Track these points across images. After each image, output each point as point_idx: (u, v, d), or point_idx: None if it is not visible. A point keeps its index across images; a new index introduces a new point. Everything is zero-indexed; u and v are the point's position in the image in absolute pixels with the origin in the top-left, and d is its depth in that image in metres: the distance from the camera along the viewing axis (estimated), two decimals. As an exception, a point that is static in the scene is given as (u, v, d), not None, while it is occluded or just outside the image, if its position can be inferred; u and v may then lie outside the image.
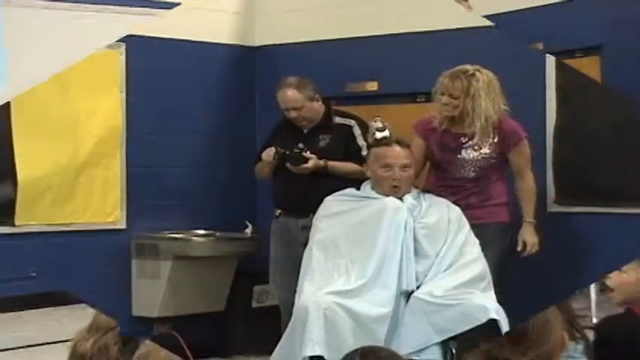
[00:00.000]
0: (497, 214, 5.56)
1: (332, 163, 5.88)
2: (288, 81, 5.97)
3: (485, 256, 5.26)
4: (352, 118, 6.02)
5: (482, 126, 5.42)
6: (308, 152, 5.88)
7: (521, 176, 5.61)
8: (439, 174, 5.63)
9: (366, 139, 5.73)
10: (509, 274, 5.48)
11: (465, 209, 5.41)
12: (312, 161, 5.86)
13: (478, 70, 5.45)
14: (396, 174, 5.36)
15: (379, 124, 5.45)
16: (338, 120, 6.03)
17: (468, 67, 5.47)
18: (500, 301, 5.06)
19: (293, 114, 5.95)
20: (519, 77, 5.67)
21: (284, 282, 5.86)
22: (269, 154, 6.00)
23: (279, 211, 6.10)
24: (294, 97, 5.93)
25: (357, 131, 5.95)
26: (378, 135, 5.42)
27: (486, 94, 5.40)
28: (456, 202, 5.43)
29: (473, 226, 5.34)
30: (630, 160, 5.87)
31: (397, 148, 5.41)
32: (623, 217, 5.86)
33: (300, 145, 5.93)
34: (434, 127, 5.59)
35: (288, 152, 5.89)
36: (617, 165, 5.91)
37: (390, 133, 5.43)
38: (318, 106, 6.00)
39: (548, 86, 6.10)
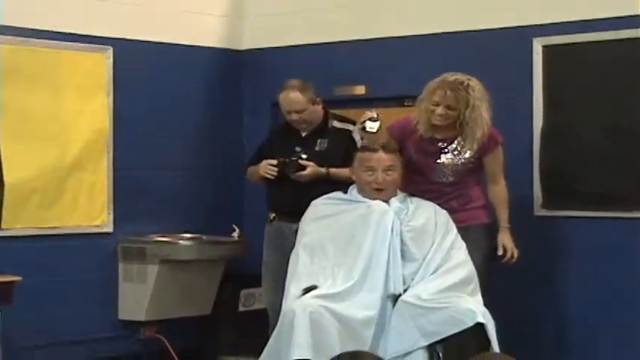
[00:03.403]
0: (479, 216, 5.55)
1: (334, 170, 5.83)
2: (291, 83, 5.94)
3: (472, 257, 5.26)
4: (351, 123, 5.94)
5: (481, 135, 5.41)
6: (305, 157, 5.84)
7: (495, 181, 5.60)
8: (416, 178, 5.58)
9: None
10: (495, 276, 5.48)
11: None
12: (310, 169, 5.81)
13: (469, 79, 5.41)
14: (379, 177, 5.35)
15: (374, 114, 5.33)
16: (336, 124, 5.97)
17: (461, 76, 5.42)
18: (486, 304, 5.06)
19: (294, 116, 5.91)
20: (506, 81, 5.67)
21: (274, 286, 5.78)
22: (272, 169, 5.88)
23: (273, 214, 6.04)
24: (298, 100, 5.88)
25: (356, 136, 5.89)
26: (368, 125, 5.32)
27: (483, 103, 5.38)
28: (437, 207, 5.43)
29: (457, 229, 5.34)
30: (616, 164, 5.89)
31: (381, 152, 5.39)
32: (608, 221, 5.88)
33: (298, 149, 5.90)
34: (412, 129, 5.55)
35: (287, 160, 5.84)
36: (603, 169, 5.93)
37: (378, 129, 5.33)
38: (319, 110, 5.97)
39: (535, 90, 6.11)
